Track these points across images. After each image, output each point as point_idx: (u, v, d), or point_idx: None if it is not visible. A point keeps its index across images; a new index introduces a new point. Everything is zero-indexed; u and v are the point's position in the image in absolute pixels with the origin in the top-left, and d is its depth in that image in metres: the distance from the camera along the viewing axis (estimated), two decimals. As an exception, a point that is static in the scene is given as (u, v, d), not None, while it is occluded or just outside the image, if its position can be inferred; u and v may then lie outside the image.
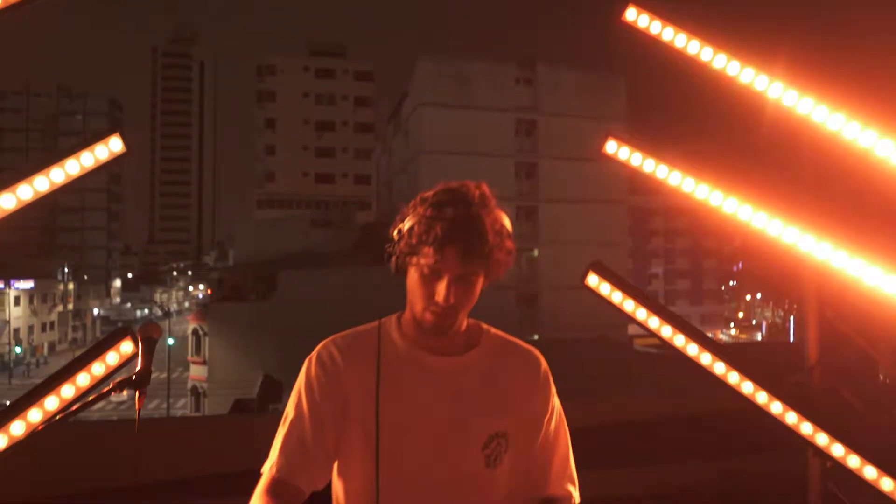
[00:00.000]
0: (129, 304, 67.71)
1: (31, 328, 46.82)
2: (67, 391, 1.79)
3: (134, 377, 1.74)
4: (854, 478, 2.14)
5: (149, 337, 1.73)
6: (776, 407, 2.05)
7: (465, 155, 24.92)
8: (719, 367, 2.09)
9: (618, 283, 2.20)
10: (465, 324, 1.55)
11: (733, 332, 55.45)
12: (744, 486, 3.70)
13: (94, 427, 4.77)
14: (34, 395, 1.78)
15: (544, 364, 1.63)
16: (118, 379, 1.73)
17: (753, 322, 56.65)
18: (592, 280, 2.21)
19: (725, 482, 3.79)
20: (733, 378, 2.08)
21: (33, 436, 1.72)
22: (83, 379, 1.81)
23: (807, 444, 2.04)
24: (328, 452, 1.48)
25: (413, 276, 1.47)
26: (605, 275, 2.21)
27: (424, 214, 1.41)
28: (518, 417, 1.55)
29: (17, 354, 41.99)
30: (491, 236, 1.43)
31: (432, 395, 1.51)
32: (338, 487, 1.55)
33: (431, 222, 1.40)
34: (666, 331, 2.14)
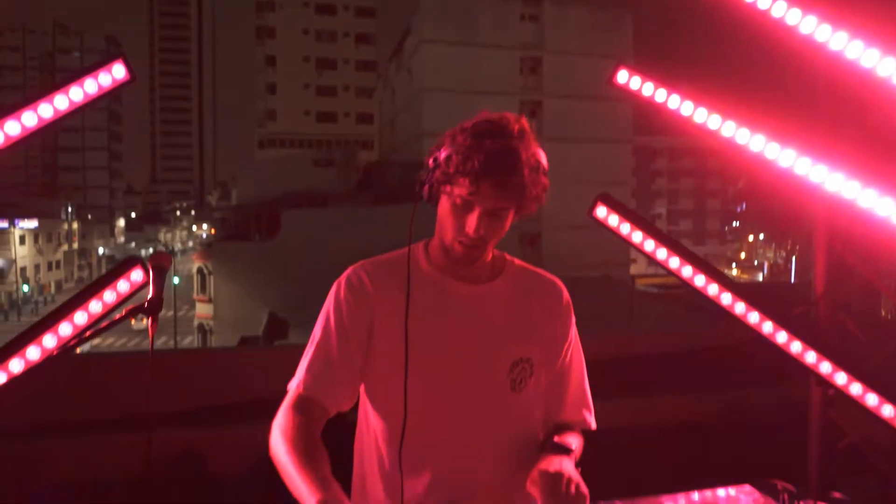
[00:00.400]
0: (133, 244, 67.97)
1: (37, 267, 47.12)
2: (80, 318, 1.80)
3: (146, 304, 1.75)
4: (854, 407, 2.18)
5: (159, 265, 1.73)
6: (781, 336, 2.07)
7: (468, 93, 24.57)
8: (726, 298, 2.10)
9: (626, 214, 2.19)
10: (490, 254, 1.57)
11: (735, 272, 55.68)
12: (744, 417, 3.76)
13: (109, 358, 4.84)
14: (47, 322, 1.80)
15: (566, 294, 1.65)
16: (130, 306, 1.75)
17: (755, 263, 56.79)
18: (601, 212, 2.20)
19: (726, 414, 3.85)
20: (740, 308, 2.09)
21: (48, 361, 1.74)
22: (95, 306, 1.82)
23: (810, 372, 2.06)
24: (354, 373, 1.50)
25: (444, 206, 1.48)
26: (614, 206, 2.20)
27: (463, 144, 1.40)
28: (541, 344, 1.58)
29: (24, 293, 42.40)
30: (527, 172, 1.43)
31: (459, 321, 1.53)
32: (366, 410, 1.58)
33: (469, 153, 1.39)
34: (674, 262, 2.14)
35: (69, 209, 52.52)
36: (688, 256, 2.15)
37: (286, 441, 1.39)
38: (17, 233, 44.16)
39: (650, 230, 2.18)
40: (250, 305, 21.47)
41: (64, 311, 1.81)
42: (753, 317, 2.06)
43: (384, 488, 1.57)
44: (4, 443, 3.11)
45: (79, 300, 1.86)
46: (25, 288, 43.14)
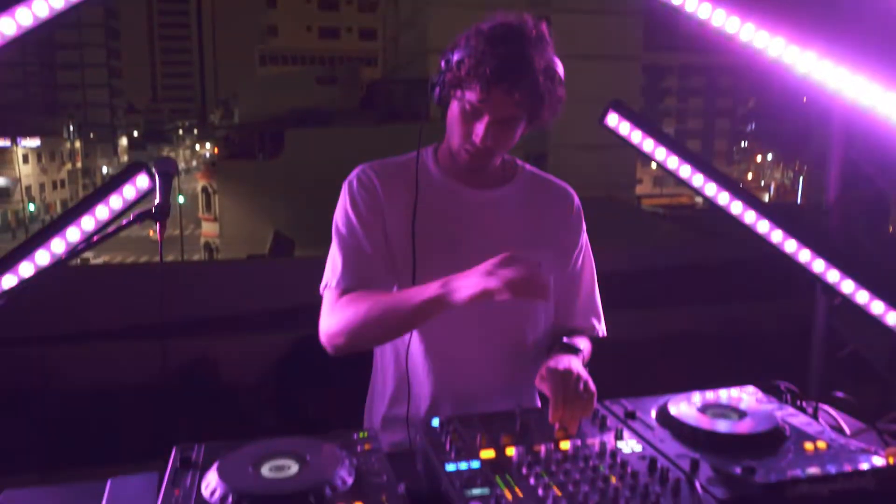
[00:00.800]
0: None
1: (42, 186, 47.05)
2: (87, 223, 1.80)
3: (153, 210, 1.74)
4: (856, 319, 2.19)
5: (165, 171, 1.72)
6: (790, 245, 2.06)
7: (476, 8, 23.82)
8: (736, 207, 2.08)
9: (638, 122, 2.14)
10: (500, 158, 1.54)
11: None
12: (747, 328, 3.81)
13: (122, 269, 4.89)
14: (56, 227, 1.80)
15: (577, 200, 1.64)
16: (138, 211, 1.74)
17: (762, 184, 56.37)
18: (612, 119, 2.15)
19: (729, 325, 3.90)
20: (750, 217, 2.07)
21: (57, 265, 1.75)
22: (102, 212, 1.81)
23: (817, 281, 2.06)
24: (388, 262, 1.49)
25: (454, 111, 1.44)
26: (626, 114, 2.15)
27: (476, 48, 1.36)
28: (551, 250, 1.58)
29: (31, 212, 42.50)
30: (541, 80, 1.39)
31: (468, 225, 1.52)
32: None
33: (482, 58, 1.35)
34: (685, 171, 2.11)
35: (71, 128, 51.96)
36: (700, 165, 2.12)
37: (365, 303, 1.39)
38: (19, 151, 43.85)
39: (662, 138, 2.14)
40: (256, 224, 21.55)
41: (70, 217, 1.81)
42: (763, 226, 2.05)
43: (393, 394, 1.60)
44: (22, 349, 3.17)
45: (85, 205, 1.85)
46: (31, 207, 43.19)
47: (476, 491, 1.05)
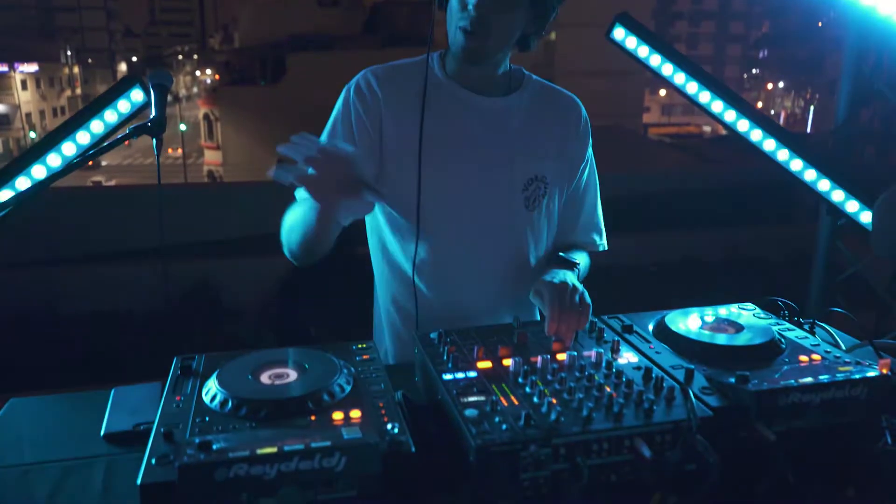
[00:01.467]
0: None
1: (41, 113, 46.55)
2: (82, 137, 1.78)
3: (149, 124, 1.71)
4: (857, 242, 2.18)
5: (160, 84, 1.68)
6: (796, 164, 2.04)
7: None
8: (743, 125, 2.05)
9: (646, 36, 2.09)
10: (505, 65, 1.50)
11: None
12: (747, 254, 3.81)
13: (122, 191, 4.88)
14: (50, 141, 1.78)
15: (585, 112, 1.60)
16: (133, 125, 1.72)
17: (772, 112, 55.44)
18: (618, 33, 2.10)
19: (729, 251, 3.90)
20: (756, 135, 2.04)
21: (53, 179, 1.73)
22: (97, 126, 1.79)
23: (821, 200, 2.05)
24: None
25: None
26: (632, 27, 2.09)
27: None
28: (557, 162, 1.55)
29: (32, 139, 42.17)
30: None
31: (473, 133, 1.49)
32: (378, 224, 1.58)
33: None
34: (692, 87, 2.07)
35: (69, 53, 50.99)
36: (707, 81, 2.08)
37: (293, 212, 1.40)
38: (18, 77, 43.22)
39: (670, 53, 2.09)
40: (259, 151, 21.35)
41: (65, 131, 1.78)
42: (770, 144, 2.01)
43: (397, 311, 1.61)
44: (26, 272, 3.20)
45: (79, 119, 1.83)
46: (32, 134, 42.84)
47: (472, 398, 1.07)
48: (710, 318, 1.35)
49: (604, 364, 1.17)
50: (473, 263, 1.54)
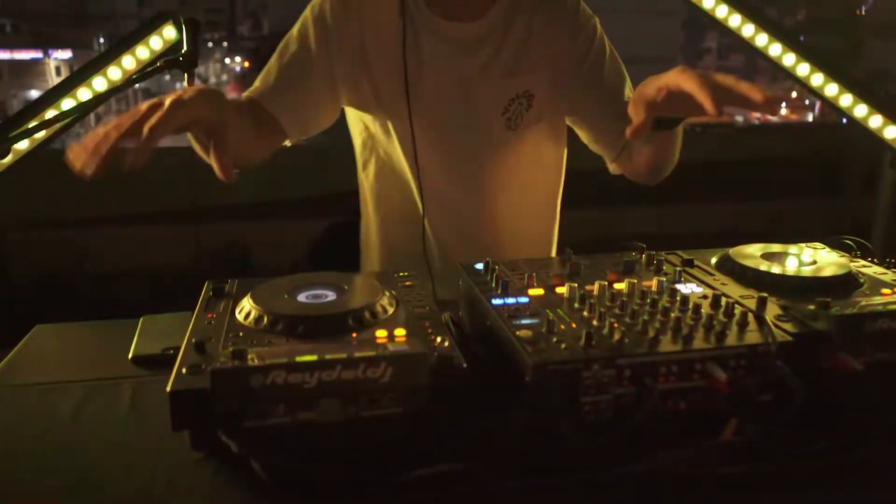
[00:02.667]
0: (168, 77, 67.24)
1: (75, 99, 47.14)
2: (114, 73, 1.72)
3: (180, 58, 1.65)
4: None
5: (192, 20, 1.61)
6: (860, 110, 1.92)
7: None
8: (803, 69, 1.93)
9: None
10: None
11: (784, 111, 53.44)
12: (792, 226, 3.67)
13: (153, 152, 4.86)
14: (81, 76, 1.72)
15: (574, 3, 1.49)
16: (165, 59, 1.66)
17: (806, 102, 54.28)
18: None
19: (772, 223, 3.76)
20: (817, 80, 1.92)
21: (85, 112, 1.68)
22: (128, 62, 1.73)
23: (887, 149, 1.92)
24: (317, 95, 1.40)
25: None
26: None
27: None
28: (545, 69, 1.46)
29: (65, 125, 42.74)
30: None
31: (448, 62, 1.42)
32: (368, 168, 1.52)
33: None
34: (748, 29, 1.95)
35: (101, 40, 51.60)
36: (761, 21, 1.96)
37: None
38: (52, 63, 43.87)
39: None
40: (287, 137, 21.42)
41: (97, 65, 1.73)
42: (831, 88, 1.89)
43: (400, 252, 1.54)
44: (56, 232, 3.17)
45: (111, 55, 1.77)
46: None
47: (525, 321, 0.98)
48: (778, 252, 1.25)
49: (667, 291, 1.08)
50: (468, 195, 1.48)
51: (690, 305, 1.01)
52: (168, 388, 0.80)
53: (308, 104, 1.42)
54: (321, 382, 0.80)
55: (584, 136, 1.57)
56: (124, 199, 3.29)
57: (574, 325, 0.97)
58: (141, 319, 1.22)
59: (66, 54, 45.37)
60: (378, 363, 0.81)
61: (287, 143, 1.47)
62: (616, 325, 0.95)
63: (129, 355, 1.10)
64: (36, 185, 3.17)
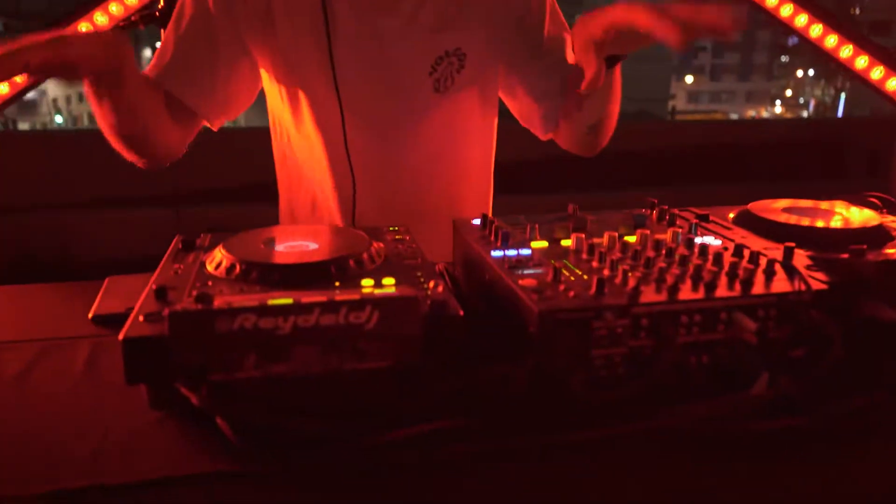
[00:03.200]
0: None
1: (68, 98, 46.99)
2: (84, 28, 1.62)
3: (157, 13, 1.57)
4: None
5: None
6: (893, 84, 1.82)
7: None
8: (831, 40, 1.84)
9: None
10: None
11: (778, 110, 53.59)
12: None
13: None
14: (52, 28, 1.62)
15: None
16: (141, 14, 1.57)
17: (801, 101, 54.41)
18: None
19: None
20: (846, 52, 1.83)
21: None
22: (100, 18, 1.63)
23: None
24: (225, 66, 1.28)
25: None
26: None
27: None
28: (479, 29, 1.32)
29: (58, 124, 42.60)
30: None
31: (365, 17, 1.29)
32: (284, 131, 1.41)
33: None
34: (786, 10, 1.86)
35: (94, 38, 51.41)
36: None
37: None
38: (44, 62, 43.54)
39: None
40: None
41: (68, 20, 1.63)
42: (861, 61, 1.80)
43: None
44: (37, 216, 3.08)
45: (82, 10, 1.67)
46: (59, 119, 43.25)
47: (529, 271, 0.88)
48: (803, 206, 1.15)
49: (683, 242, 0.98)
50: (394, 171, 1.37)
51: (711, 254, 0.91)
52: (120, 336, 0.69)
53: (217, 79, 1.27)
54: (297, 329, 0.70)
55: (516, 105, 1.43)
56: (104, 182, 3.19)
57: (584, 276, 0.87)
58: (106, 279, 1.12)
59: (58, 52, 45.06)
60: (362, 307, 0.71)
61: (212, 127, 1.36)
62: (630, 273, 0.85)
63: (90, 315, 1.00)
64: (13, 168, 3.06)
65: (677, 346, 0.78)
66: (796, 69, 55.98)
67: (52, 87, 43.78)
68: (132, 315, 0.74)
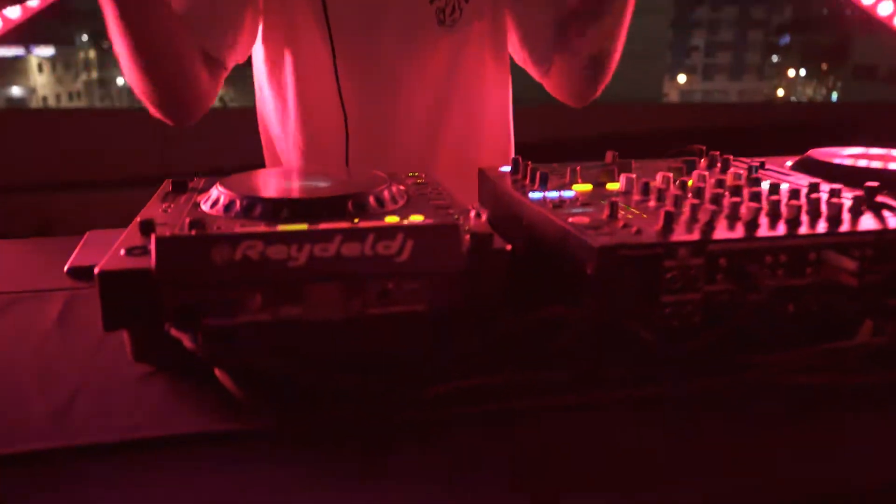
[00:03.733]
0: None
1: (58, 97, 46.66)
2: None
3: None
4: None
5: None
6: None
7: None
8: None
9: None
10: None
11: (781, 93, 53.73)
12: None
13: (121, 114, 4.61)
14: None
15: None
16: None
17: (793, 100, 54.57)
18: None
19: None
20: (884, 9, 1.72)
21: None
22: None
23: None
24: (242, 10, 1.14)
25: None
26: None
27: None
28: None
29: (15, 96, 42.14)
30: None
31: None
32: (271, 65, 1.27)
33: None
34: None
35: (84, 37, 51.06)
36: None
37: None
38: (34, 60, 43.33)
39: None
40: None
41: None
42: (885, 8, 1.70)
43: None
44: (21, 197, 2.97)
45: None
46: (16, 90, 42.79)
47: (578, 210, 0.76)
48: (873, 153, 1.03)
49: (745, 183, 0.86)
50: (396, 120, 1.23)
51: (782, 193, 0.79)
52: (97, 269, 0.56)
53: (242, 26, 1.14)
54: (313, 260, 0.57)
55: (511, 37, 1.30)
56: (92, 164, 3.06)
57: (643, 215, 0.74)
58: (86, 233, 0.99)
59: (48, 51, 44.80)
60: (393, 235, 0.58)
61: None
62: (699, 209, 0.73)
63: (66, 267, 0.87)
64: (-1, 148, 2.94)
65: (766, 288, 0.65)
66: (788, 69, 56.12)
67: (42, 86, 43.48)
68: (112, 250, 0.61)
